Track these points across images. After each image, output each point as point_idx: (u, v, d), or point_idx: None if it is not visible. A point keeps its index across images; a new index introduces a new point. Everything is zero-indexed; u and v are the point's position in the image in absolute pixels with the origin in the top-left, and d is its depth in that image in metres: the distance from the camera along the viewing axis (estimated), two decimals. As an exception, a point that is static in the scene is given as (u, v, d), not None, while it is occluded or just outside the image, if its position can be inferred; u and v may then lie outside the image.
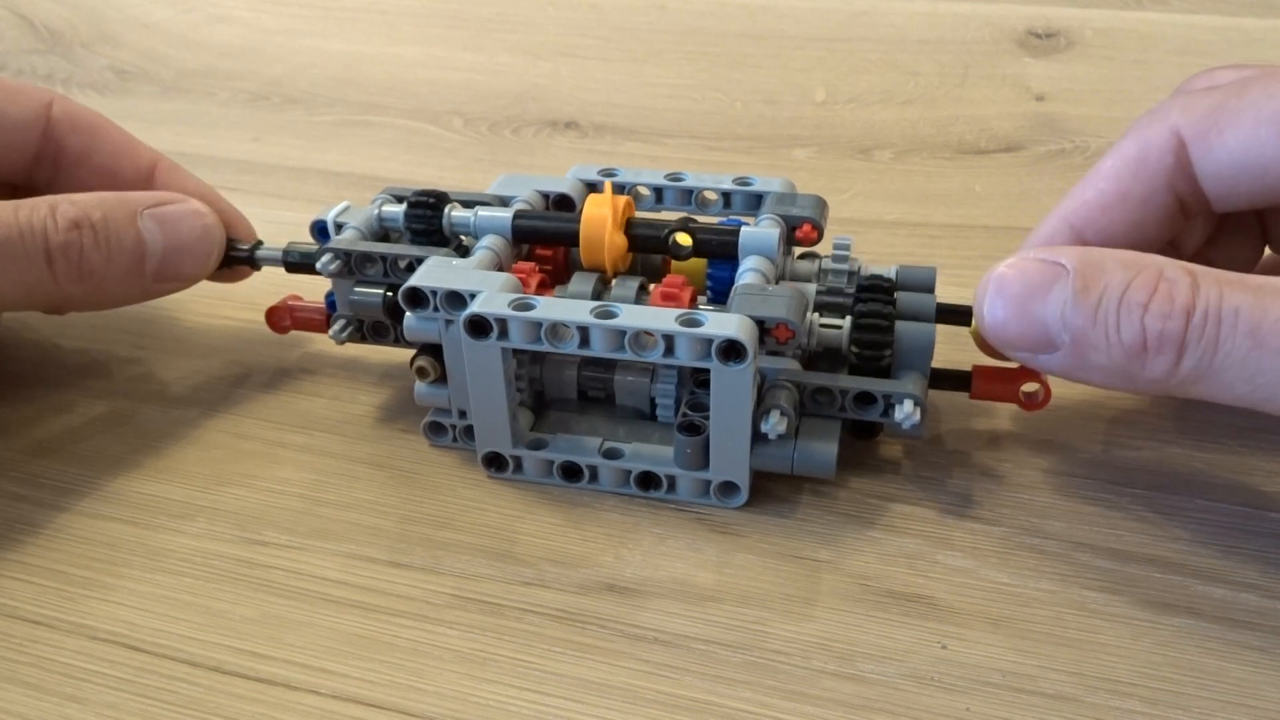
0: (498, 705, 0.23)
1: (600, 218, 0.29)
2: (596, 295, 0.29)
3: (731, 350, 0.25)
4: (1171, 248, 0.29)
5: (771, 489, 0.29)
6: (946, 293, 0.30)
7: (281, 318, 0.34)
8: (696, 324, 0.25)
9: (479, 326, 0.26)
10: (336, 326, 0.32)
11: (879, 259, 0.32)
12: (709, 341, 0.25)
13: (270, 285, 0.35)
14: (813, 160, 0.47)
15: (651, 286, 0.29)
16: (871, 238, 0.41)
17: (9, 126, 0.33)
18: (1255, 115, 0.24)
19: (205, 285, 0.35)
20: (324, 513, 0.29)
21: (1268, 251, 0.30)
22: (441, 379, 0.29)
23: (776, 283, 0.28)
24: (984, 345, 0.29)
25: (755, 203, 0.31)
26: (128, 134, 0.35)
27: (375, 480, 0.30)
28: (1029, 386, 0.29)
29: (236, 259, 0.33)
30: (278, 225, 0.36)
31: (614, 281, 0.29)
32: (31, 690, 0.24)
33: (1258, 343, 0.21)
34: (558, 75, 0.54)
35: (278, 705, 0.24)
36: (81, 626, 0.26)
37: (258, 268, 0.33)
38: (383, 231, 0.31)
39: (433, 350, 0.29)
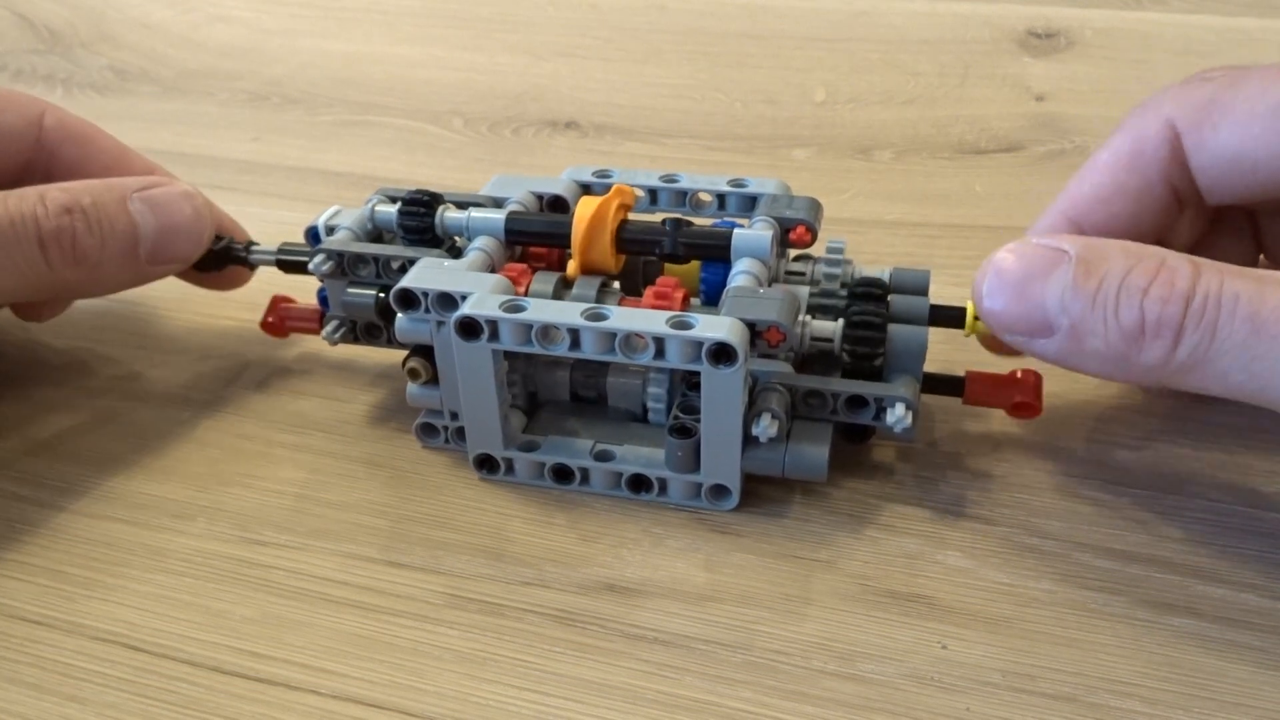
0: (498, 705, 0.23)
1: (592, 218, 0.29)
2: (557, 295, 0.28)
3: (722, 353, 0.25)
4: (1163, 245, 0.29)
5: (768, 490, 0.29)
6: (946, 293, 0.30)
7: (276, 322, 0.34)
8: (687, 326, 0.25)
9: (469, 328, 0.26)
10: (329, 327, 0.32)
11: (879, 259, 0.32)
12: (699, 344, 0.25)
13: (269, 285, 0.35)
14: (813, 160, 0.47)
15: (616, 285, 0.29)
16: (871, 238, 0.41)
17: None
18: (1249, 110, 0.25)
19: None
20: (322, 512, 0.29)
21: (1262, 259, 0.30)
22: (433, 380, 0.29)
23: (769, 285, 0.28)
24: (985, 339, 0.29)
25: (750, 204, 0.31)
26: (122, 145, 0.35)
27: (373, 480, 0.30)
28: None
29: (232, 259, 0.33)
30: (278, 225, 0.36)
31: (576, 282, 0.29)
32: (31, 690, 0.24)
33: (1256, 328, 0.21)
34: (558, 75, 0.54)
35: (278, 705, 0.24)
36: (81, 626, 0.26)
37: (252, 268, 0.34)
38: (376, 232, 0.31)
39: (425, 351, 0.29)
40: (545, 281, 0.29)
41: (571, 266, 0.29)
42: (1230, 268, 0.22)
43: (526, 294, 0.28)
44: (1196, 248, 0.30)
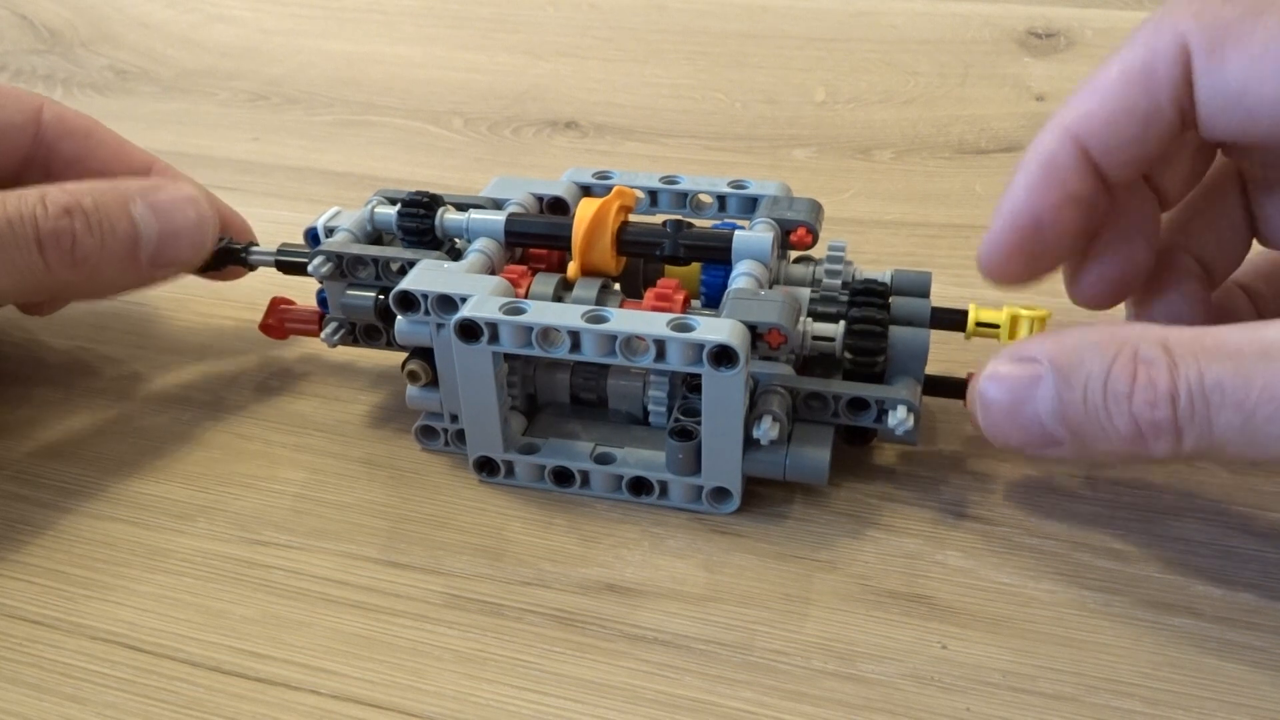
0: (498, 705, 0.23)
1: (592, 219, 0.29)
2: (557, 297, 0.28)
3: (723, 355, 0.25)
4: (1162, 177, 0.28)
5: (768, 491, 0.29)
6: (947, 293, 0.30)
7: (275, 324, 0.34)
8: (688, 329, 0.25)
9: (469, 330, 0.26)
10: (329, 329, 0.32)
11: (879, 259, 0.33)
12: (700, 346, 0.25)
13: (269, 286, 0.35)
14: (813, 160, 0.47)
15: (616, 287, 0.29)
16: (871, 238, 0.41)
17: None
18: (1264, 45, 0.24)
19: (203, 286, 0.35)
20: (323, 512, 0.29)
21: (1256, 246, 0.30)
22: (433, 383, 0.29)
23: (770, 287, 0.28)
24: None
25: (750, 206, 0.31)
26: (121, 138, 0.35)
27: (374, 480, 0.30)
28: None
29: (231, 259, 0.33)
30: (278, 225, 0.36)
31: (576, 284, 0.29)
32: (31, 690, 0.24)
33: (1248, 416, 0.21)
34: (558, 75, 0.54)
35: (278, 705, 0.24)
36: (81, 626, 0.26)
37: (251, 268, 0.33)
38: (375, 233, 0.31)
39: (424, 354, 0.29)
40: (545, 283, 0.29)
41: (572, 268, 0.29)
42: (1204, 344, 0.22)
43: (526, 296, 0.28)
44: (1187, 233, 0.29)
